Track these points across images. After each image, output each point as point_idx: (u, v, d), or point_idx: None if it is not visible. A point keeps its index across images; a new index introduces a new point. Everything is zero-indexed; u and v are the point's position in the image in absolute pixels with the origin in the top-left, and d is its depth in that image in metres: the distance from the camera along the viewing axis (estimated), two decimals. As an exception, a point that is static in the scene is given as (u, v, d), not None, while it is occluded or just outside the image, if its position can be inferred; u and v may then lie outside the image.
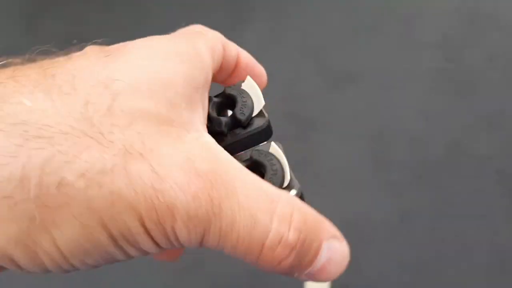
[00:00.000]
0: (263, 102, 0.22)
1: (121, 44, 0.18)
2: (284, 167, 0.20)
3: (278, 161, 0.20)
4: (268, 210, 0.16)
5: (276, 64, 0.55)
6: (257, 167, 0.20)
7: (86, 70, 0.17)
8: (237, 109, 0.21)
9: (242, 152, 0.21)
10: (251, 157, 0.20)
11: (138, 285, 0.44)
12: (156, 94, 0.17)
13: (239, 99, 0.21)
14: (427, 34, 0.54)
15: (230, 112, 0.21)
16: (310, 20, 0.58)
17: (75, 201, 0.15)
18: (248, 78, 0.22)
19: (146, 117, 0.16)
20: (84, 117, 0.15)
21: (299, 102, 0.52)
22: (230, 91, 0.21)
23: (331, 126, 0.49)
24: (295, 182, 0.19)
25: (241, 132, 0.21)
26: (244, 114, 0.21)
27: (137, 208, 0.15)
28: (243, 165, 0.18)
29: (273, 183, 0.19)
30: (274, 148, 0.20)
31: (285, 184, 0.19)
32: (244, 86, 0.22)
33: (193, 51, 0.19)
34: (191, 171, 0.16)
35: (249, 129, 0.21)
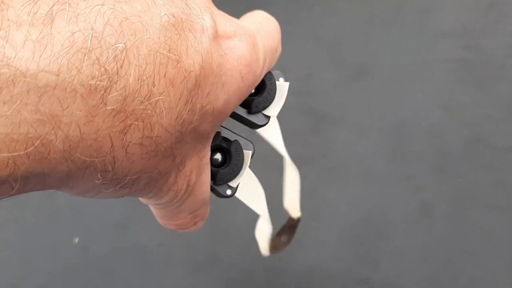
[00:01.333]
0: (279, 109, 0.24)
1: None
2: (240, 172, 0.23)
3: (241, 165, 0.23)
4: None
5: (291, 58, 0.55)
6: (225, 153, 0.23)
7: None
8: (260, 99, 0.23)
9: (228, 129, 0.23)
10: (229, 146, 0.23)
11: (152, 280, 0.44)
12: (217, 120, 0.19)
13: (266, 91, 0.23)
14: (444, 24, 0.53)
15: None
16: (325, 13, 0.58)
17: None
18: (287, 84, 0.24)
19: (199, 136, 0.19)
20: (182, 134, 0.17)
21: (314, 96, 0.51)
22: (267, 78, 0.23)
23: (347, 120, 0.49)
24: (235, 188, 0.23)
25: (242, 112, 0.23)
26: (258, 107, 0.23)
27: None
28: (222, 140, 0.22)
29: (223, 177, 0.23)
30: (247, 158, 0.23)
31: (232, 184, 0.23)
32: (278, 84, 0.24)
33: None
34: (187, 183, 0.20)
35: (250, 117, 0.23)
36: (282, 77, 0.24)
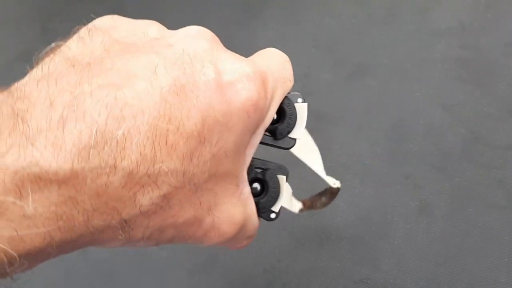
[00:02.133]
0: (303, 130, 0.26)
1: None
2: (280, 196, 0.26)
3: (279, 190, 0.26)
4: None
5: (290, 58, 0.55)
6: (262, 182, 0.25)
7: None
8: (283, 125, 0.25)
9: (260, 159, 0.25)
10: (264, 176, 0.25)
11: (153, 282, 0.44)
12: (236, 159, 0.22)
13: (287, 116, 0.25)
14: (442, 23, 0.53)
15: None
16: (323, 13, 0.58)
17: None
18: (305, 105, 0.26)
19: (224, 179, 0.21)
20: (196, 186, 0.20)
21: (312, 96, 0.51)
22: (285, 105, 0.25)
23: (346, 119, 0.49)
24: (277, 211, 0.26)
25: (269, 139, 0.25)
26: (283, 133, 0.25)
27: (189, 241, 0.23)
28: (257, 172, 0.25)
29: (265, 205, 0.25)
30: (282, 182, 0.26)
31: (274, 209, 0.26)
32: (297, 105, 0.26)
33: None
34: (232, 223, 0.22)
35: (278, 143, 0.25)
36: (300, 98, 0.26)
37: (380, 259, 0.40)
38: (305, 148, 0.30)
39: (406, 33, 0.53)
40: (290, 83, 0.25)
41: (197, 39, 0.21)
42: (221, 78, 0.20)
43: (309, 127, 0.49)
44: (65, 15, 0.70)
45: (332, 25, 0.57)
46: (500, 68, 0.48)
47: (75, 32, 0.21)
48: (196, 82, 0.19)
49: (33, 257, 0.17)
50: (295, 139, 0.26)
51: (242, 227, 0.24)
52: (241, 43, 0.57)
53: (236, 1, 0.63)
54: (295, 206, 0.36)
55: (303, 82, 0.53)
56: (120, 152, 0.17)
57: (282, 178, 0.26)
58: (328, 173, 0.46)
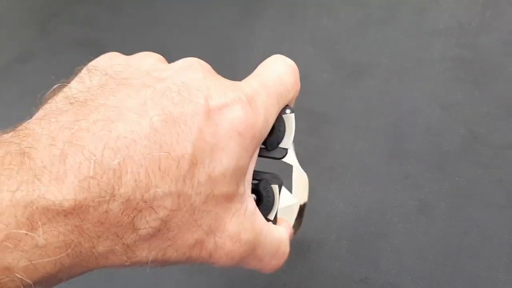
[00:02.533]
0: (292, 140, 0.27)
1: None
2: (274, 205, 0.27)
3: (273, 199, 0.27)
4: None
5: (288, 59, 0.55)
6: (257, 193, 0.27)
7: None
8: (272, 137, 0.26)
9: (254, 170, 0.26)
10: (258, 186, 0.26)
11: (153, 283, 0.44)
12: (234, 178, 0.22)
13: (276, 128, 0.26)
14: (440, 22, 0.53)
15: None
16: (321, 13, 0.58)
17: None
18: (292, 115, 0.27)
19: (224, 199, 0.22)
20: (193, 207, 0.21)
21: (311, 96, 0.51)
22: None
23: (344, 119, 0.49)
24: (274, 216, 0.27)
25: (261, 150, 0.26)
26: (273, 145, 0.26)
27: (195, 262, 0.23)
28: (252, 183, 0.25)
29: (262, 211, 0.26)
30: (276, 191, 0.27)
31: (269, 217, 0.27)
32: (284, 116, 0.27)
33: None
34: (237, 242, 0.23)
35: (269, 154, 0.27)
36: (289, 109, 0.28)
37: (379, 259, 0.40)
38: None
39: (404, 33, 0.53)
40: (289, 94, 0.27)
41: (187, 70, 0.23)
42: (207, 104, 0.22)
43: (308, 127, 0.49)
44: (64, 17, 0.70)
45: (331, 25, 0.57)
46: (498, 67, 0.48)
47: (77, 72, 0.23)
48: (183, 109, 0.21)
49: (46, 282, 0.18)
50: (286, 149, 0.27)
51: (253, 245, 0.24)
52: (239, 43, 0.57)
53: (235, 2, 0.63)
54: (300, 198, 0.37)
55: (302, 82, 0.52)
56: (117, 180, 0.18)
57: (275, 187, 0.27)
58: (327, 173, 0.46)
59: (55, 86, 0.22)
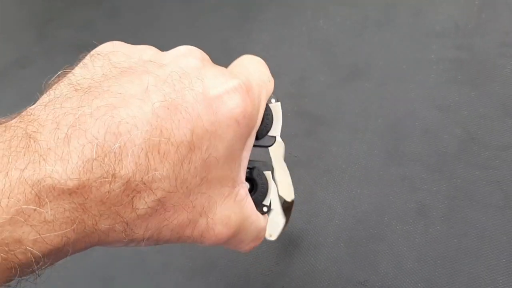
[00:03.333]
0: (279, 128, 0.28)
1: None
2: (268, 191, 0.28)
3: (267, 185, 0.28)
4: None
5: (284, 62, 0.55)
6: (251, 180, 0.27)
7: None
8: (261, 126, 0.27)
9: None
10: (251, 174, 0.27)
11: (151, 286, 0.44)
12: (228, 164, 0.24)
13: (264, 116, 0.27)
14: (436, 24, 0.53)
15: None
16: (317, 15, 0.58)
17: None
18: (279, 103, 0.28)
19: (217, 183, 0.24)
20: (189, 189, 0.22)
21: (308, 98, 0.51)
22: None
23: (342, 122, 0.49)
24: (269, 204, 0.28)
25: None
26: (262, 133, 0.27)
27: (186, 241, 0.24)
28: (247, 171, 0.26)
29: (256, 201, 0.27)
30: (269, 177, 0.28)
31: (265, 203, 0.28)
32: (271, 105, 0.28)
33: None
34: (226, 224, 0.24)
35: (259, 142, 0.27)
36: (274, 98, 0.29)
37: (378, 261, 0.40)
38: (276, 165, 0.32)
39: (401, 34, 0.53)
40: (270, 84, 0.28)
41: (186, 58, 0.24)
42: (208, 92, 0.23)
43: (305, 130, 0.49)
44: (61, 21, 0.70)
45: (327, 27, 0.57)
46: (495, 68, 0.48)
47: (81, 59, 0.24)
48: (184, 96, 0.22)
49: (54, 255, 0.19)
50: (274, 137, 0.28)
51: (239, 228, 0.26)
52: (236, 46, 0.58)
53: (232, 5, 0.63)
54: (287, 197, 0.37)
55: (299, 85, 0.53)
56: (118, 162, 0.20)
57: (268, 174, 0.28)
58: (325, 175, 0.46)
59: (59, 72, 0.23)
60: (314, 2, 0.59)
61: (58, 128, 0.19)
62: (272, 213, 0.38)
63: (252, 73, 0.26)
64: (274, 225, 0.39)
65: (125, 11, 0.68)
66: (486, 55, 0.49)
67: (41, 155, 0.19)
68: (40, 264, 0.19)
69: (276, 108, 0.28)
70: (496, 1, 0.53)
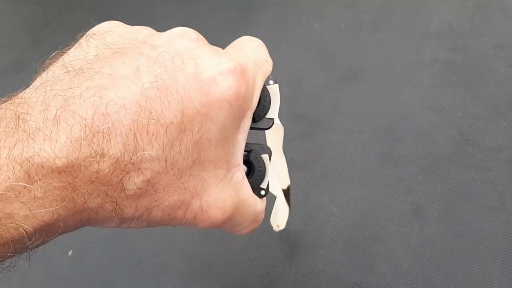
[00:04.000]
0: (277, 110, 0.28)
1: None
2: (266, 174, 0.27)
3: (264, 168, 0.27)
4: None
5: (280, 64, 0.55)
6: (248, 164, 0.27)
7: None
8: (259, 108, 0.26)
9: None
10: (248, 157, 0.27)
11: (147, 287, 0.44)
12: (221, 146, 0.24)
13: (262, 99, 0.27)
14: (431, 26, 0.53)
15: None
16: (313, 18, 0.58)
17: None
18: (277, 85, 0.28)
19: (210, 165, 0.23)
20: (180, 171, 0.22)
21: (304, 100, 0.52)
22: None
23: (338, 124, 0.49)
24: (266, 187, 0.28)
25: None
26: (260, 115, 0.27)
27: (180, 223, 0.24)
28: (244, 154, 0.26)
29: (254, 184, 0.27)
30: (266, 160, 0.27)
31: (262, 186, 0.27)
32: (269, 87, 0.27)
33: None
34: (221, 208, 0.24)
35: (256, 125, 0.27)
36: (272, 80, 0.28)
37: (374, 263, 0.40)
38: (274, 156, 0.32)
39: (396, 37, 0.54)
40: (268, 64, 0.27)
41: (181, 39, 0.24)
42: (200, 73, 0.22)
43: (301, 132, 0.49)
44: (56, 25, 0.70)
45: (323, 30, 0.57)
46: (489, 70, 0.48)
47: (78, 39, 0.24)
48: (176, 77, 0.22)
49: (46, 231, 0.20)
50: (272, 119, 0.27)
51: (235, 212, 0.25)
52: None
53: (228, 8, 0.63)
54: (283, 183, 0.38)
55: (295, 87, 0.53)
56: (106, 142, 0.20)
57: (265, 157, 0.28)
58: (321, 178, 0.46)
59: (54, 53, 0.24)
60: (310, 5, 0.60)
61: (47, 110, 0.20)
62: (276, 202, 0.38)
63: (249, 53, 0.26)
64: (280, 214, 0.39)
65: (120, 15, 0.68)
66: (480, 57, 0.50)
67: (29, 135, 0.19)
68: (33, 240, 0.19)
69: (274, 90, 0.28)
70: (489, 3, 0.53)
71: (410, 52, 0.52)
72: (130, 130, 0.20)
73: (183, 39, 0.24)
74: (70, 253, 0.48)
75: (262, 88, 0.27)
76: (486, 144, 0.44)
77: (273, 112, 0.27)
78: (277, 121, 0.28)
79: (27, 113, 0.20)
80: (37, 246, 0.20)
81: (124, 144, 0.20)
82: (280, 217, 0.39)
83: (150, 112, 0.21)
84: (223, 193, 0.24)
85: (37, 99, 0.20)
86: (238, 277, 0.43)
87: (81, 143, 0.19)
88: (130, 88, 0.21)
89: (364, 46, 0.54)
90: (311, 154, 0.48)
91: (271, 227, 0.43)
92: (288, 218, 0.40)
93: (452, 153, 0.45)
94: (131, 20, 0.69)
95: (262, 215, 0.28)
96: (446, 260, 0.39)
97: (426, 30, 0.53)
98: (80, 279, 0.46)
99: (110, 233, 0.48)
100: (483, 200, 0.42)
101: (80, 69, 0.21)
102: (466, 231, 0.40)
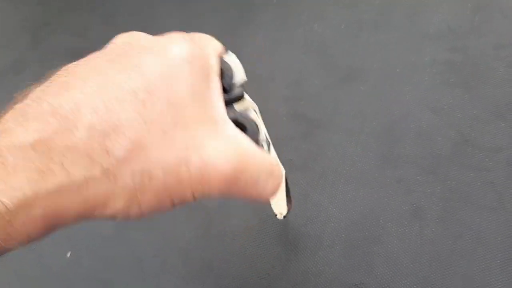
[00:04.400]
0: (244, 76, 0.29)
1: None
2: (260, 129, 0.28)
3: (255, 122, 0.28)
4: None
5: (280, 64, 0.55)
6: (240, 125, 0.28)
7: None
8: (225, 80, 0.28)
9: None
10: (237, 120, 0.27)
11: (147, 287, 0.44)
12: (197, 102, 0.25)
13: (224, 72, 0.28)
14: (430, 26, 0.53)
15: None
16: (313, 18, 0.58)
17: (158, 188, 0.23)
18: (233, 54, 0.29)
19: (193, 122, 0.24)
20: (163, 130, 0.23)
21: (303, 101, 0.52)
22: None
23: (337, 124, 0.49)
24: (265, 138, 0.29)
25: (225, 97, 0.27)
26: (230, 85, 0.28)
27: (191, 186, 0.23)
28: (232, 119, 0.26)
29: (252, 138, 0.27)
30: (253, 114, 0.29)
31: (261, 138, 0.28)
32: (226, 59, 0.29)
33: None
34: (225, 157, 0.24)
35: (230, 95, 0.28)
36: (226, 53, 0.30)
37: (373, 264, 0.40)
38: None
39: (395, 37, 0.54)
40: (214, 41, 0.29)
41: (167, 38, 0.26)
42: (158, 47, 0.25)
43: (300, 132, 0.49)
44: (56, 25, 0.70)
45: (322, 30, 0.57)
46: (488, 71, 0.49)
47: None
48: (139, 53, 0.24)
49: (28, 210, 0.19)
50: (242, 84, 0.29)
51: (241, 161, 0.25)
52: (231, 49, 0.57)
53: (228, 8, 0.63)
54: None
55: (294, 88, 0.53)
56: (76, 113, 0.21)
57: (252, 112, 0.29)
58: (320, 178, 0.46)
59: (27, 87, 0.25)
60: (310, 5, 0.60)
61: (22, 108, 0.21)
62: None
63: (194, 36, 0.28)
64: (281, 202, 0.39)
65: (120, 16, 0.68)
66: (479, 58, 0.50)
67: (3, 126, 0.21)
68: (17, 219, 0.19)
69: (232, 58, 0.29)
70: (489, 4, 0.53)
71: (410, 53, 0.52)
72: (97, 97, 0.21)
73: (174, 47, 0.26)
74: (68, 254, 0.48)
75: (222, 62, 0.28)
76: (485, 145, 0.44)
77: (239, 78, 0.29)
78: (247, 96, 0.30)
79: (1, 116, 0.22)
80: (27, 233, 0.20)
81: (95, 110, 0.21)
82: (281, 205, 0.39)
83: (113, 83, 0.22)
84: (221, 145, 0.24)
85: (13, 111, 0.22)
86: (237, 278, 0.43)
87: (48, 119, 0.20)
88: (88, 64, 0.23)
89: (364, 46, 0.54)
90: (310, 155, 0.48)
91: (271, 227, 0.44)
92: (288, 218, 0.40)
93: (451, 154, 0.45)
94: (131, 20, 0.70)
95: (277, 168, 0.27)
96: (446, 261, 0.39)
97: (426, 30, 0.53)
98: (80, 279, 0.46)
99: (110, 233, 0.48)
100: (483, 201, 0.42)
101: (65, 78, 0.23)
102: (465, 231, 0.41)
